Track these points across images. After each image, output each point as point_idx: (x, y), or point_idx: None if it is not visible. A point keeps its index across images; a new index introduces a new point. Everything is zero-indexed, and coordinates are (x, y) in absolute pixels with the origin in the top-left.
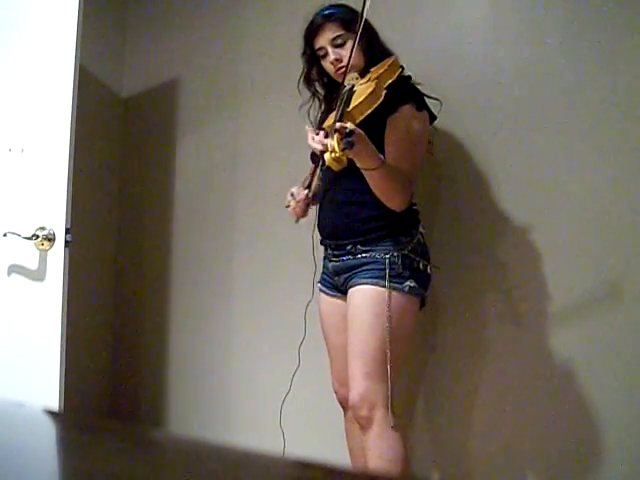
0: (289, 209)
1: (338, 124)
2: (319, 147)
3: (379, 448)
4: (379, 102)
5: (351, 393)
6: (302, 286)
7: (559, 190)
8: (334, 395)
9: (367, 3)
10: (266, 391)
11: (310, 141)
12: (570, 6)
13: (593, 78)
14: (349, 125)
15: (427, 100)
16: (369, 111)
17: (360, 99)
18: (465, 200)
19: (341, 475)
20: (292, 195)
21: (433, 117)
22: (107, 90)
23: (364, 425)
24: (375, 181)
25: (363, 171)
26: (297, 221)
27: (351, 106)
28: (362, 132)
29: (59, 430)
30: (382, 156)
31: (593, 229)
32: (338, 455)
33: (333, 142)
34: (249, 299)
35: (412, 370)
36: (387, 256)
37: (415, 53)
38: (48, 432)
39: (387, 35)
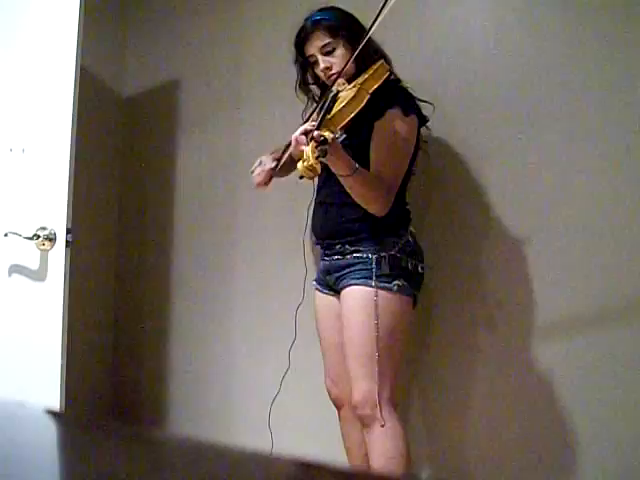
0: (253, 174)
1: (315, 132)
2: (297, 150)
3: (383, 446)
4: (361, 106)
5: (354, 394)
6: (293, 289)
7: (554, 193)
8: (324, 396)
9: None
10: (257, 392)
11: (293, 143)
12: (570, 8)
13: (592, 81)
14: (327, 134)
15: (420, 103)
16: (351, 116)
17: (341, 105)
18: (458, 202)
19: (341, 475)
20: (260, 162)
21: (424, 120)
22: (107, 90)
23: (367, 423)
24: (350, 186)
25: (338, 176)
26: (256, 188)
27: (332, 112)
28: (337, 141)
29: (60, 430)
30: (356, 163)
31: (587, 232)
32: (327, 456)
33: (308, 150)
34: (246, 301)
35: (406, 369)
36: (374, 256)
37: (411, 55)
38: (49, 432)
39: (384, 38)
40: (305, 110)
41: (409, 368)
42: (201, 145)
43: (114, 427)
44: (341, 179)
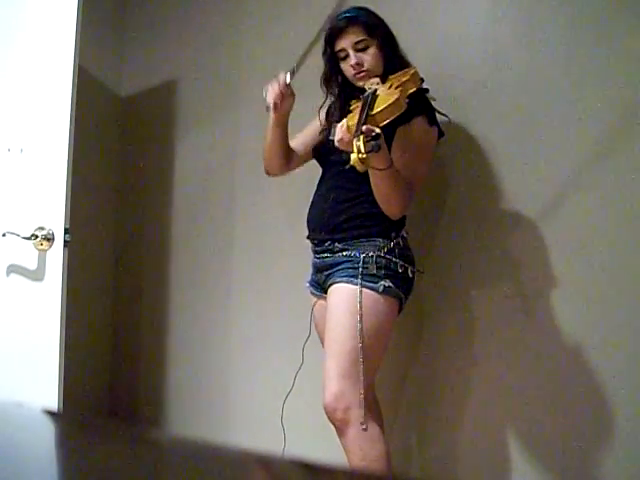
0: (267, 94)
1: (365, 127)
2: (345, 146)
3: (361, 449)
4: (401, 112)
5: (325, 395)
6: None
7: (559, 190)
8: None
9: None
10: (269, 389)
11: (339, 134)
12: (570, 6)
13: (593, 78)
14: (376, 129)
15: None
16: (391, 119)
17: (384, 105)
18: (459, 205)
19: (341, 475)
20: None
21: (441, 133)
22: (106, 90)
23: (340, 427)
24: (379, 181)
25: (371, 172)
26: (268, 110)
27: (375, 110)
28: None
29: (58, 430)
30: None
31: (596, 230)
32: (338, 454)
33: (360, 143)
34: (251, 297)
35: (399, 374)
36: (362, 255)
37: (412, 53)
38: (47, 432)
39: None
40: (322, 106)
41: (403, 373)
42: (200, 145)
43: (112, 427)
44: (374, 173)
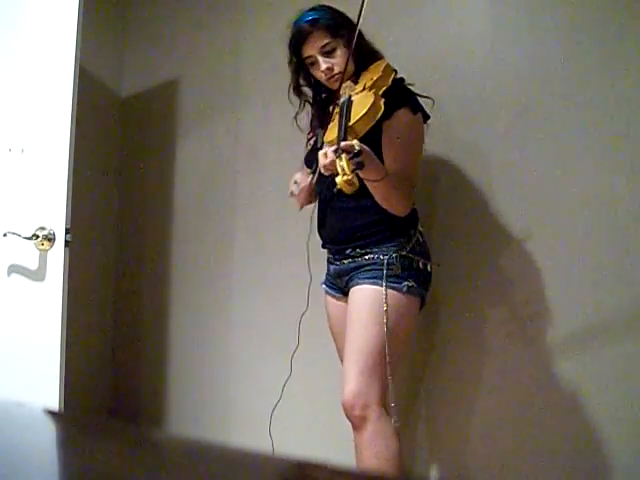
0: (294, 196)
1: (344, 143)
2: (330, 169)
3: (375, 447)
4: (380, 114)
5: (344, 393)
6: (297, 296)
7: (558, 193)
8: (325, 403)
9: (361, 15)
10: (259, 398)
11: (322, 161)
12: (570, 8)
13: (592, 81)
14: (356, 144)
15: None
16: (371, 125)
17: (361, 113)
18: (464, 201)
19: (342, 475)
20: (295, 182)
21: (426, 117)
22: (107, 90)
23: (358, 424)
24: (379, 191)
25: (367, 182)
26: (301, 209)
27: (352, 120)
28: (367, 148)
29: (59, 430)
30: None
31: (592, 232)
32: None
33: (343, 163)
34: (247, 303)
35: (412, 370)
36: (385, 257)
37: (411, 55)
38: (48, 432)
39: (381, 38)
40: (298, 113)
41: (416, 370)
42: (200, 145)
43: (113, 427)
44: (371, 184)
